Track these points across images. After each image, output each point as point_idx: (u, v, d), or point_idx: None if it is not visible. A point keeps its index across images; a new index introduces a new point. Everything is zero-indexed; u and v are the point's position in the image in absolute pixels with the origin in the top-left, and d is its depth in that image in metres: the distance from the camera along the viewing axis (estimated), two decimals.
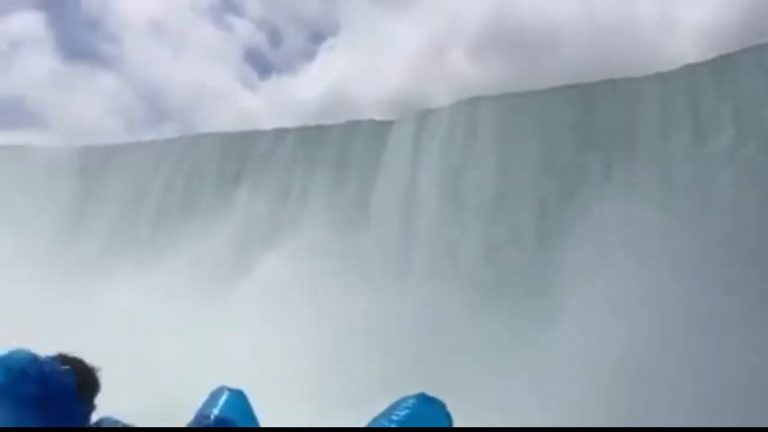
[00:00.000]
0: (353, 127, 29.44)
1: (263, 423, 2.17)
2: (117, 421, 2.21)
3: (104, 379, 2.16)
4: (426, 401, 2.00)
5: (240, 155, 29.79)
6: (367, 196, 26.84)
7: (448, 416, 2.00)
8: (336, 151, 28.49)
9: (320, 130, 29.84)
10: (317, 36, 76.09)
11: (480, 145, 25.44)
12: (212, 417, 2.08)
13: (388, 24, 50.93)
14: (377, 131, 28.69)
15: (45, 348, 2.13)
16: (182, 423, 2.08)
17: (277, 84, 61.05)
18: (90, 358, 2.17)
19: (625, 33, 34.08)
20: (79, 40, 65.54)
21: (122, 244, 27.54)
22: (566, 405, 15.61)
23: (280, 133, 30.71)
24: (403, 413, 1.94)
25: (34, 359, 2.01)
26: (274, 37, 69.73)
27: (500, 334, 19.69)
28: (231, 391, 2.17)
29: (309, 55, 68.86)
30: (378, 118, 30.65)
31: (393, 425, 1.91)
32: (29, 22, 61.61)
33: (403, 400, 1.99)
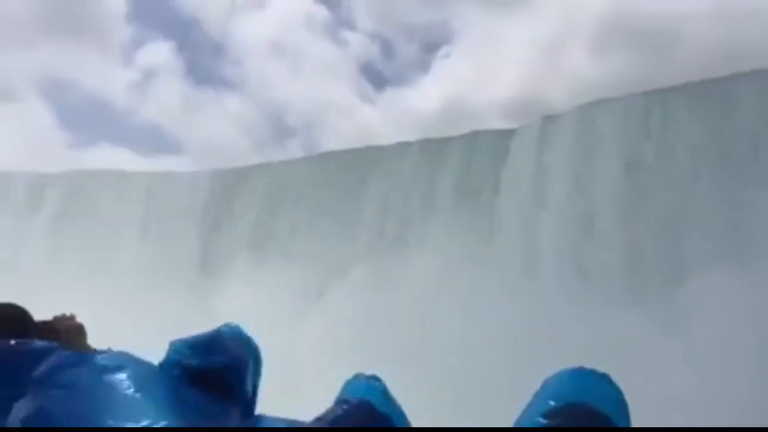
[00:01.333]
0: (475, 137, 29.33)
1: None
2: None
3: None
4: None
5: (363, 170, 30.34)
6: (491, 206, 26.60)
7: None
8: (458, 162, 28.47)
9: (442, 142, 29.96)
10: (431, 45, 76.51)
11: (606, 150, 24.57)
12: (353, 400, 2.04)
13: (502, 27, 50.15)
14: (499, 141, 28.42)
15: None
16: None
17: (394, 96, 61.91)
18: None
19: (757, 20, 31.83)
20: (206, 65, 69.29)
21: (257, 260, 28.68)
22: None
23: (402, 147, 31.09)
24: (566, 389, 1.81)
25: None
26: (387, 50, 70.80)
27: (631, 340, 18.93)
28: (368, 377, 2.15)
29: (423, 66, 69.32)
30: (499, 126, 30.49)
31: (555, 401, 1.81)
32: (160, 52, 65.78)
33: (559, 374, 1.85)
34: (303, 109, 61.54)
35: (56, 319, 2.47)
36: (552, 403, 1.74)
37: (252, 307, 22.55)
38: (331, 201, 29.78)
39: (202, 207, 31.27)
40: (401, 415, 2.06)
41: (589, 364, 1.84)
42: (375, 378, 2.17)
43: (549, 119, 27.51)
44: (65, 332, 2.40)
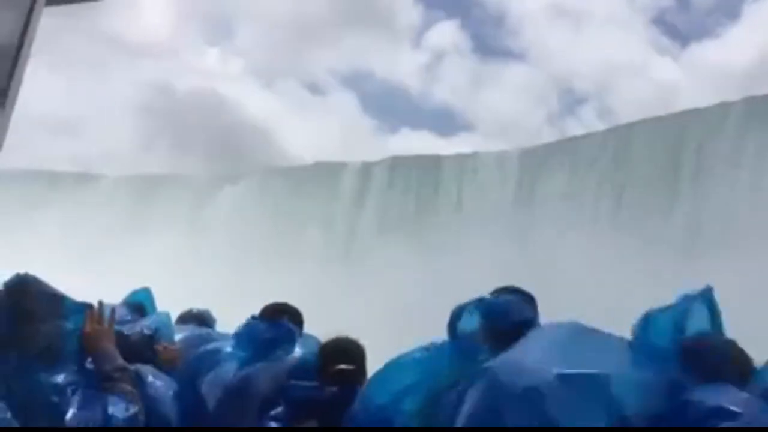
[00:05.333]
0: None
1: None
2: None
3: None
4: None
5: (677, 139, 28.17)
6: None
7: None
8: None
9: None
10: None
11: None
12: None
13: None
14: None
15: None
16: None
17: (697, 51, 56.05)
18: None
19: None
20: (489, 38, 69.22)
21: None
22: None
23: (721, 108, 28.27)
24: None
25: None
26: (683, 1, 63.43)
27: None
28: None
29: (731, 13, 61.33)
30: None
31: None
32: (447, 31, 67.23)
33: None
34: (594, 72, 58.33)
35: None
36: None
37: None
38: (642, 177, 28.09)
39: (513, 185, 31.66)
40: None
41: None
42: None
43: None
44: None
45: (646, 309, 2.08)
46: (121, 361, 2.28)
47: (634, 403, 1.87)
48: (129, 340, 2.78)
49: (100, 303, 2.37)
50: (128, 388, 2.21)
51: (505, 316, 2.38)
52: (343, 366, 2.58)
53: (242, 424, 2.61)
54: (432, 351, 2.30)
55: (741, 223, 24.67)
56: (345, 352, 2.66)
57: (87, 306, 2.33)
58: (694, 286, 2.10)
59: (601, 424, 1.84)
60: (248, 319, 2.90)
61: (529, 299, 2.55)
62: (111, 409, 2.10)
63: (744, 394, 1.86)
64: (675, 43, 75.94)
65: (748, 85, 54.92)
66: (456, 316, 2.42)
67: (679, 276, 20.96)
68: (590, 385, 1.88)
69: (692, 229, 25.82)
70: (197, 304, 4.14)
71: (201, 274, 29.45)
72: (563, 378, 1.88)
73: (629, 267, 23.53)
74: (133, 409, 2.15)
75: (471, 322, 2.40)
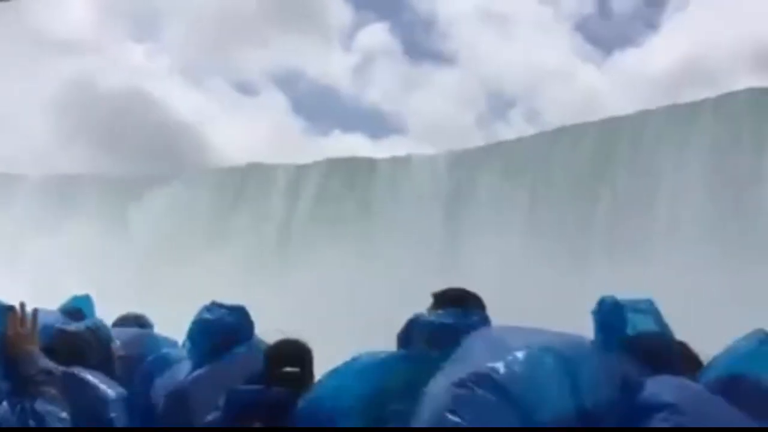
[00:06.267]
0: (727, 99, 27.02)
1: None
2: None
3: None
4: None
5: (606, 143, 29.15)
6: (758, 172, 24.38)
7: None
8: (710, 126, 26.35)
9: (689, 107, 27.95)
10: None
11: None
12: None
13: None
14: (757, 101, 25.92)
15: None
16: None
17: (619, 59, 58.00)
18: None
19: None
20: (420, 41, 69.74)
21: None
22: None
23: (644, 116, 29.44)
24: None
25: None
26: (605, 9, 65.49)
27: None
28: None
29: (650, 24, 63.60)
30: (757, 84, 27.64)
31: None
32: (378, 33, 67.29)
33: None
34: (521, 77, 59.61)
35: None
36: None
37: None
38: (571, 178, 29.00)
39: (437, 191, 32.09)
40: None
41: None
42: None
43: None
44: None
45: (576, 312, 2.18)
46: (45, 363, 2.21)
47: (593, 391, 1.85)
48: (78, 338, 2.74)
49: (22, 305, 2.29)
50: (53, 391, 2.14)
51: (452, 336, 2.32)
52: (288, 369, 2.63)
53: (190, 426, 2.64)
54: (382, 357, 2.34)
55: (658, 229, 25.82)
56: (291, 355, 2.69)
57: (8, 308, 2.26)
58: (616, 290, 2.20)
59: (568, 408, 1.81)
60: (202, 316, 2.90)
61: (475, 305, 2.60)
62: (35, 413, 2.05)
63: (696, 386, 1.95)
64: (598, 51, 78.23)
65: (668, 93, 57.24)
66: (408, 326, 2.48)
67: (601, 280, 21.80)
68: (558, 366, 1.86)
69: (614, 235, 26.74)
70: (125, 305, 4.09)
71: (126, 276, 28.78)
72: (529, 356, 1.87)
73: (555, 271, 24.25)
74: (59, 413, 2.09)
75: (422, 333, 2.43)
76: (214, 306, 2.90)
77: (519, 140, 33.39)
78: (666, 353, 2.06)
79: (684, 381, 1.94)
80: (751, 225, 23.94)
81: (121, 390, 2.53)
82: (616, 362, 1.94)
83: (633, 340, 2.04)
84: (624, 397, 1.86)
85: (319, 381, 2.44)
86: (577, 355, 1.91)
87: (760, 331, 2.01)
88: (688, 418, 1.77)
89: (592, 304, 2.17)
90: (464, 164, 32.44)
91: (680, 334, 2.32)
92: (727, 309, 18.23)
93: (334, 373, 2.36)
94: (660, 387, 1.88)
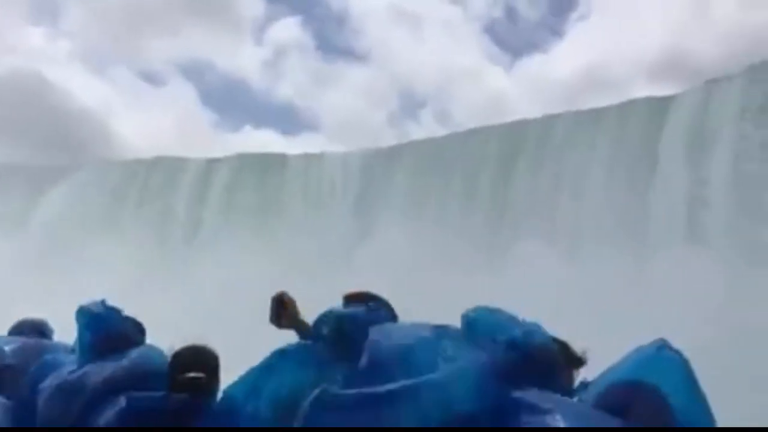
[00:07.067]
0: (628, 107, 28.30)
1: None
2: None
3: None
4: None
5: (513, 145, 29.95)
6: (648, 181, 25.67)
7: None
8: (613, 132, 27.52)
9: (593, 113, 29.11)
10: (561, 7, 72.33)
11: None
12: None
13: None
14: (655, 109, 27.28)
15: None
16: None
17: (526, 63, 59.85)
18: None
19: None
20: (332, 37, 69.64)
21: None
22: None
23: (551, 120, 30.44)
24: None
25: None
26: (512, 14, 67.52)
27: None
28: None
29: (555, 31, 66.02)
30: (654, 93, 29.12)
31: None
32: (290, 28, 66.59)
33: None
34: (431, 77, 60.55)
35: None
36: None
37: None
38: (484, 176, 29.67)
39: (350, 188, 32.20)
40: None
41: None
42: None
43: (711, 84, 26.04)
44: None
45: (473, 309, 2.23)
46: None
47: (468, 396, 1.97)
48: None
49: None
50: None
51: (360, 327, 2.42)
52: (192, 374, 2.57)
53: (72, 423, 2.53)
54: (290, 357, 2.38)
55: (561, 228, 26.81)
56: (196, 361, 2.64)
57: None
58: (517, 287, 2.25)
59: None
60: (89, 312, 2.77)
61: (383, 305, 2.65)
62: None
63: (572, 402, 1.99)
64: (506, 54, 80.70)
65: (572, 98, 59.59)
66: (318, 323, 2.55)
67: (509, 277, 22.45)
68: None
69: (519, 233, 27.50)
70: (23, 309, 3.90)
71: (22, 278, 27.43)
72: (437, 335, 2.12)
73: (463, 269, 24.75)
74: None
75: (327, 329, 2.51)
76: (103, 305, 2.78)
77: (430, 140, 33.89)
78: (544, 355, 2.10)
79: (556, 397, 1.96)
80: (648, 226, 25.15)
81: (2, 400, 2.40)
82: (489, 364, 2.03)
83: (509, 344, 2.09)
84: (496, 404, 1.94)
85: (235, 382, 2.44)
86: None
87: (660, 340, 2.05)
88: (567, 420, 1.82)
89: (500, 303, 2.24)
90: (376, 163, 32.64)
91: (579, 333, 2.36)
92: (626, 307, 19.12)
93: (248, 373, 2.40)
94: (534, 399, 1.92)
